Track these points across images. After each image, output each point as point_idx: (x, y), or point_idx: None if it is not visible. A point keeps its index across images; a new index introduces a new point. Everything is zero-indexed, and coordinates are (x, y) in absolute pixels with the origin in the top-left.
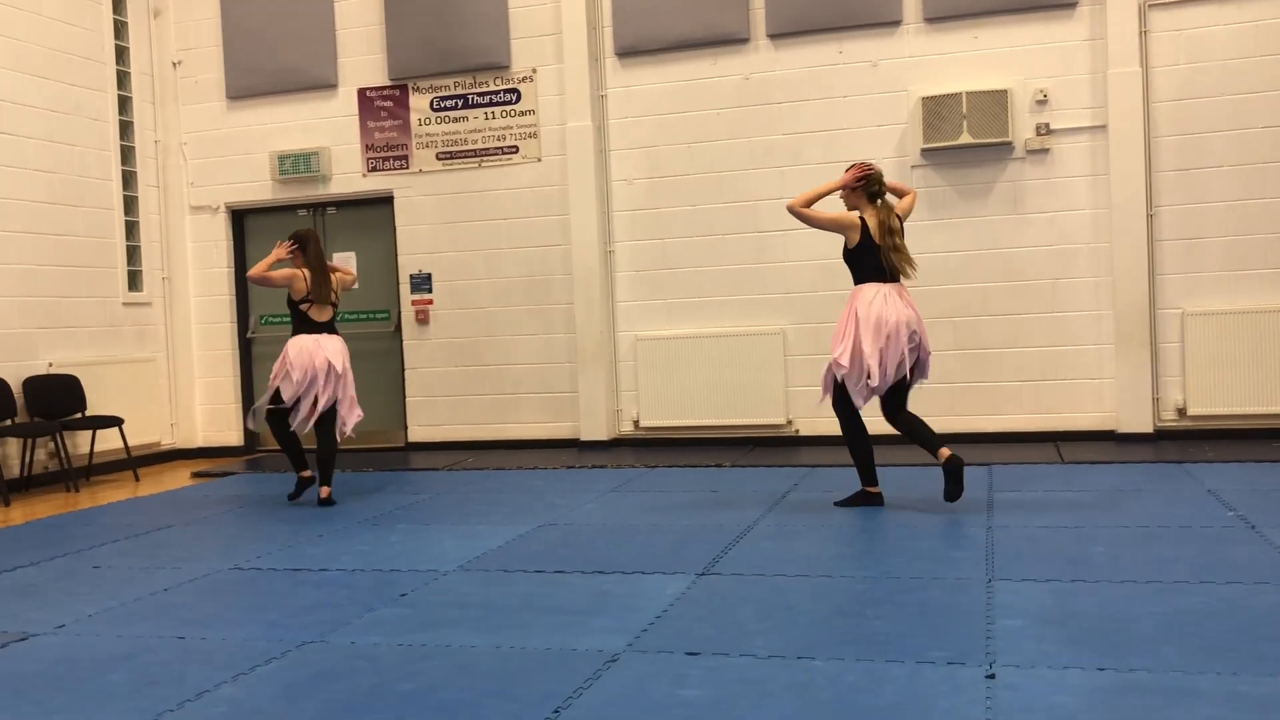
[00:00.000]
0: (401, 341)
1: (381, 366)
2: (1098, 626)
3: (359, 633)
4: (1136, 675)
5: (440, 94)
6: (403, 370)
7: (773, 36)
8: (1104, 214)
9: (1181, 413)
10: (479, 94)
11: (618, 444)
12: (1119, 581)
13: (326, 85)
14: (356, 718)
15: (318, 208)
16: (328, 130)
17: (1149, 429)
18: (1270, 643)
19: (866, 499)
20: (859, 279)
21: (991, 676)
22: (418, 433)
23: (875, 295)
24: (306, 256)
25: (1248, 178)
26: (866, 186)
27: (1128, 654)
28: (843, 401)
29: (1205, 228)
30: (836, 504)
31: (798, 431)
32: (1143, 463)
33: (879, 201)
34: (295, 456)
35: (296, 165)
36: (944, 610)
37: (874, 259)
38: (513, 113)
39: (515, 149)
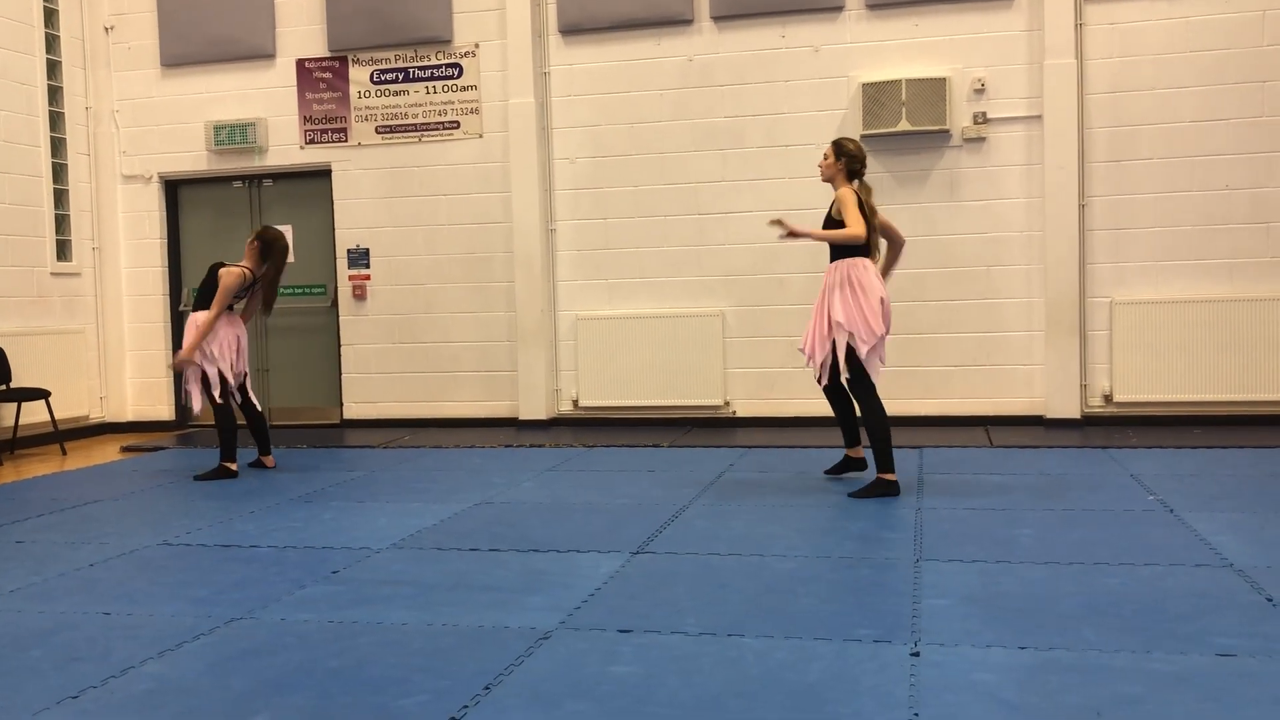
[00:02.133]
0: (338, 317)
1: (317, 342)
2: (1021, 606)
3: (289, 609)
4: (1056, 653)
5: (381, 67)
6: (339, 346)
7: (716, 19)
8: (1037, 203)
9: (1108, 399)
10: (420, 68)
11: (556, 423)
12: (1043, 563)
13: (264, 55)
14: (284, 694)
15: (253, 179)
16: (265, 101)
17: (1076, 415)
18: (1183, 622)
19: (886, 488)
20: (850, 253)
21: (916, 654)
22: (353, 410)
23: (871, 268)
24: (267, 265)
25: (1176, 170)
26: (849, 165)
27: (1048, 633)
28: (862, 380)
29: (1135, 219)
30: (852, 495)
31: (734, 413)
32: (1069, 448)
33: (857, 182)
34: (263, 436)
35: (232, 136)
36: (872, 590)
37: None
38: (454, 88)
39: (456, 124)
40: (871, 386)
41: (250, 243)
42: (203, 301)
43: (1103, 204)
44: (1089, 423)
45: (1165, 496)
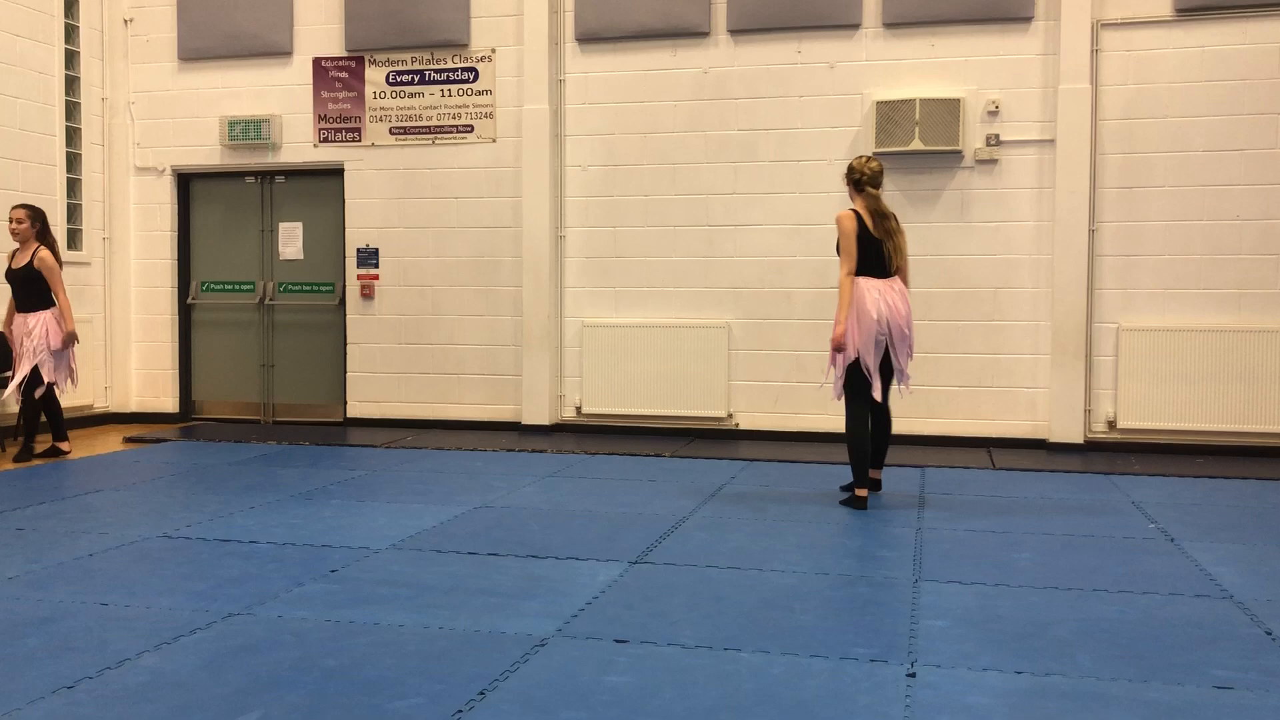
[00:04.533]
0: (345, 316)
1: (323, 340)
2: (1018, 630)
3: (286, 606)
4: (1052, 679)
5: (397, 68)
6: (344, 345)
7: (733, 32)
8: (1047, 227)
9: (1111, 425)
10: (436, 70)
11: (559, 429)
12: (1041, 587)
13: (281, 52)
14: (279, 691)
15: (266, 176)
16: (280, 98)
17: (1079, 439)
18: (1180, 652)
19: (851, 500)
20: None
21: (912, 675)
22: (357, 408)
23: (868, 289)
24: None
25: (1186, 199)
26: (849, 176)
27: (1045, 658)
28: (853, 393)
29: (1144, 246)
30: (843, 502)
31: (737, 425)
32: (1071, 472)
33: (868, 191)
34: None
35: (246, 131)
36: (870, 608)
37: (871, 251)
38: (469, 91)
39: (470, 128)
40: (853, 398)
41: (31, 227)
42: (29, 301)
43: (1112, 230)
44: (1092, 448)
45: (1166, 525)
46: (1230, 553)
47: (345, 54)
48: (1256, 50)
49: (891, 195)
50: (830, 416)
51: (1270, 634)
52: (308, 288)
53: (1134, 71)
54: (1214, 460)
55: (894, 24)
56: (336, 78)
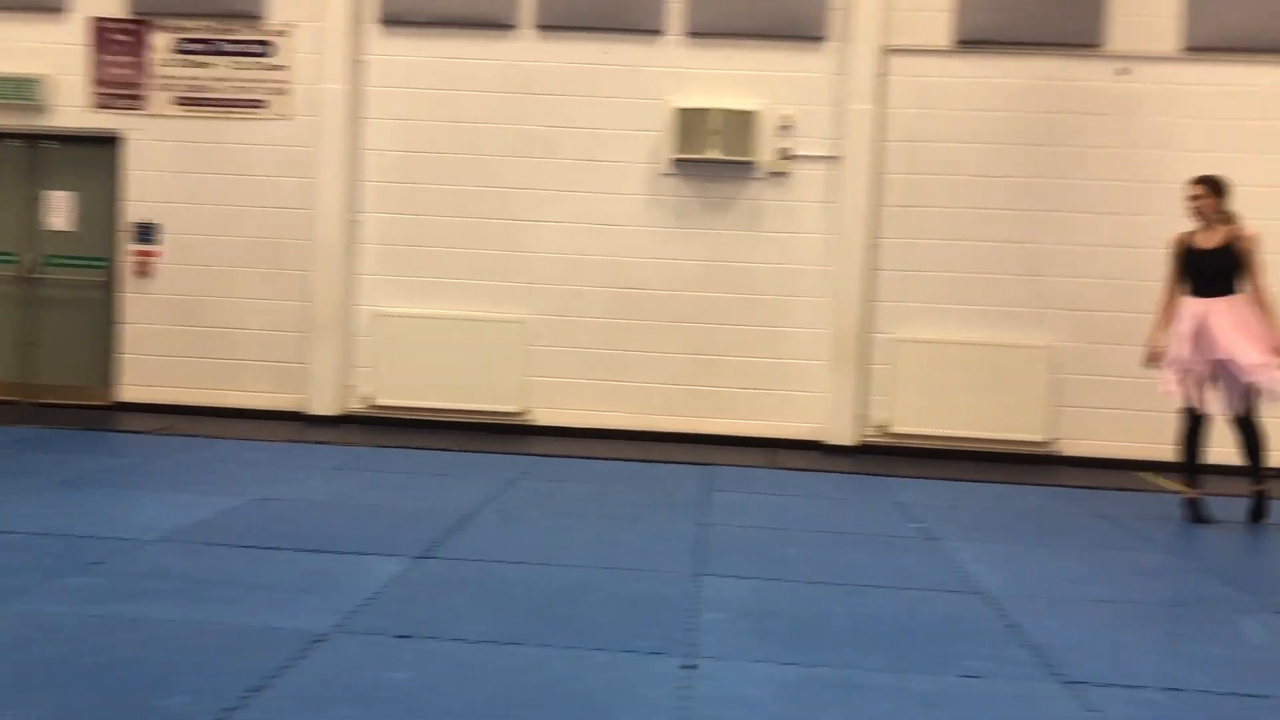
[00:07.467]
0: (118, 293)
1: (92, 318)
2: (791, 623)
3: (42, 601)
4: (820, 670)
5: (185, 35)
6: (116, 324)
7: (540, 27)
8: (832, 239)
9: (884, 430)
10: (229, 41)
11: (347, 420)
12: (814, 582)
13: (54, 7)
14: (28, 693)
15: (33, 139)
16: (52, 56)
17: (853, 442)
18: (936, 644)
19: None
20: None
21: (690, 667)
22: (129, 392)
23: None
24: None
25: (960, 220)
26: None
27: (815, 650)
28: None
29: (920, 262)
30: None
31: (531, 421)
32: (844, 473)
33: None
34: None
35: (12, 90)
36: (651, 602)
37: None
38: (263, 66)
39: (263, 103)
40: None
41: None
42: None
43: (893, 245)
44: (865, 451)
45: (929, 525)
46: (983, 551)
47: (129, 16)
48: (1025, 85)
49: (687, 201)
50: (622, 414)
51: (1014, 627)
52: (78, 262)
53: (917, 96)
54: (974, 465)
55: (696, 33)
56: (117, 40)
